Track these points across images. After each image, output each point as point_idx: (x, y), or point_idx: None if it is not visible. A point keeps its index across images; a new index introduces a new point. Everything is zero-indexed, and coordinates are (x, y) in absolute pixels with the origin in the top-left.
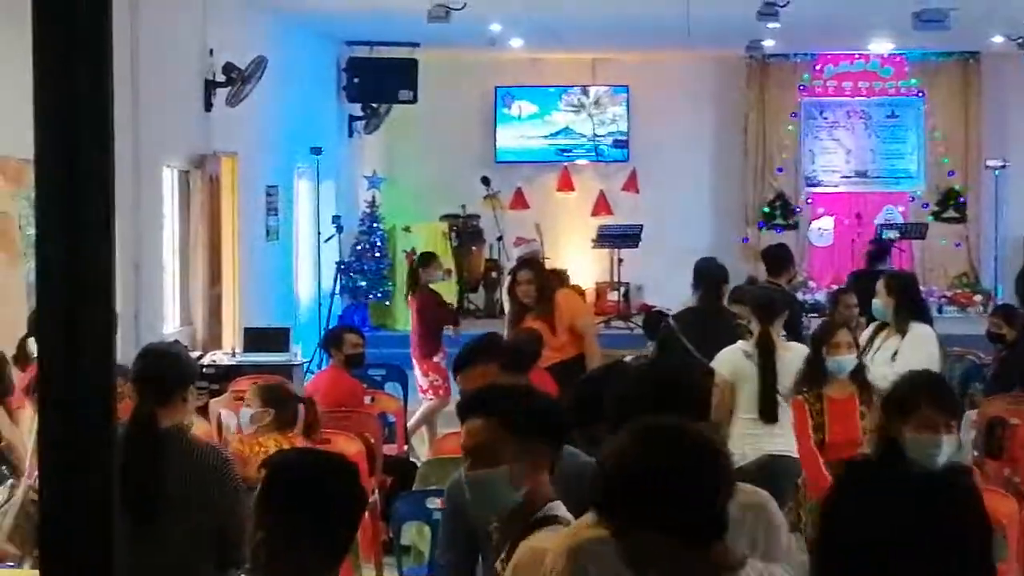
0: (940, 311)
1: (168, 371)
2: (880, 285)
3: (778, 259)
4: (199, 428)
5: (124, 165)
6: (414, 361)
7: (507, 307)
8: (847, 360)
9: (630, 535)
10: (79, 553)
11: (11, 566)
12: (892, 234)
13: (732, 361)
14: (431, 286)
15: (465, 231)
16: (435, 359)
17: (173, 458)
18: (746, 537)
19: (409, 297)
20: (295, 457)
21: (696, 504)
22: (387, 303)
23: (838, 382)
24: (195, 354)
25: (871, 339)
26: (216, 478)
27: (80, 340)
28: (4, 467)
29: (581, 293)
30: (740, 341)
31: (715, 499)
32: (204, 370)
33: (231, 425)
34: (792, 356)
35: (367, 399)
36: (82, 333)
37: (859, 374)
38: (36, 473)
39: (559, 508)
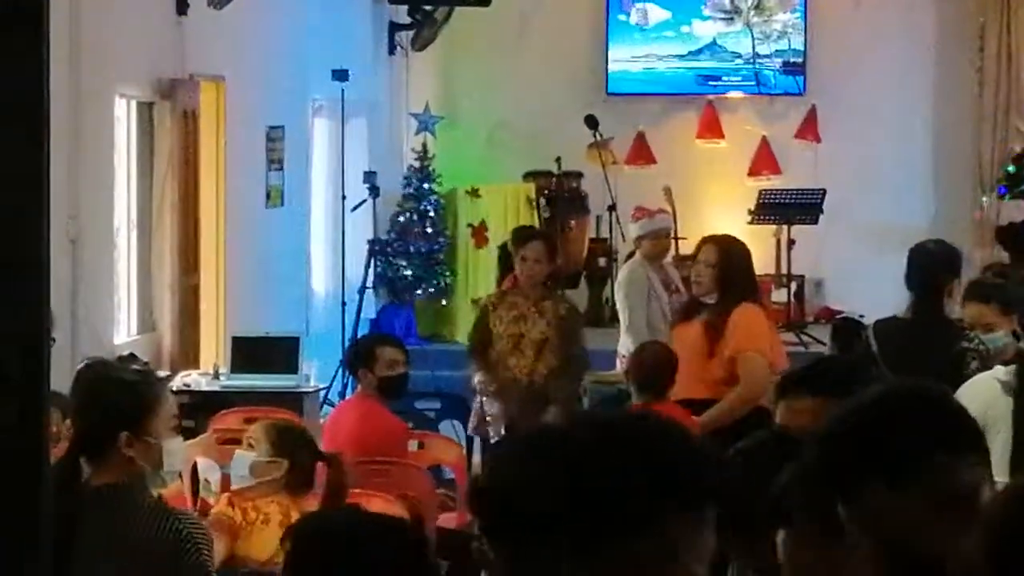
0: None
1: (105, 406)
2: None
3: (1019, 239)
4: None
5: (59, 95)
6: None
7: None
8: None
9: None
10: None
11: None
12: None
13: (985, 394)
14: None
15: (560, 196)
16: None
17: (105, 534)
18: None
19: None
20: (333, 520)
21: None
22: (443, 302)
23: None
24: (161, 375)
25: None
26: (171, 567)
27: None
28: None
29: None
30: (998, 367)
31: None
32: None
33: (212, 481)
34: None
35: (413, 444)
36: None
37: None
38: None
39: None
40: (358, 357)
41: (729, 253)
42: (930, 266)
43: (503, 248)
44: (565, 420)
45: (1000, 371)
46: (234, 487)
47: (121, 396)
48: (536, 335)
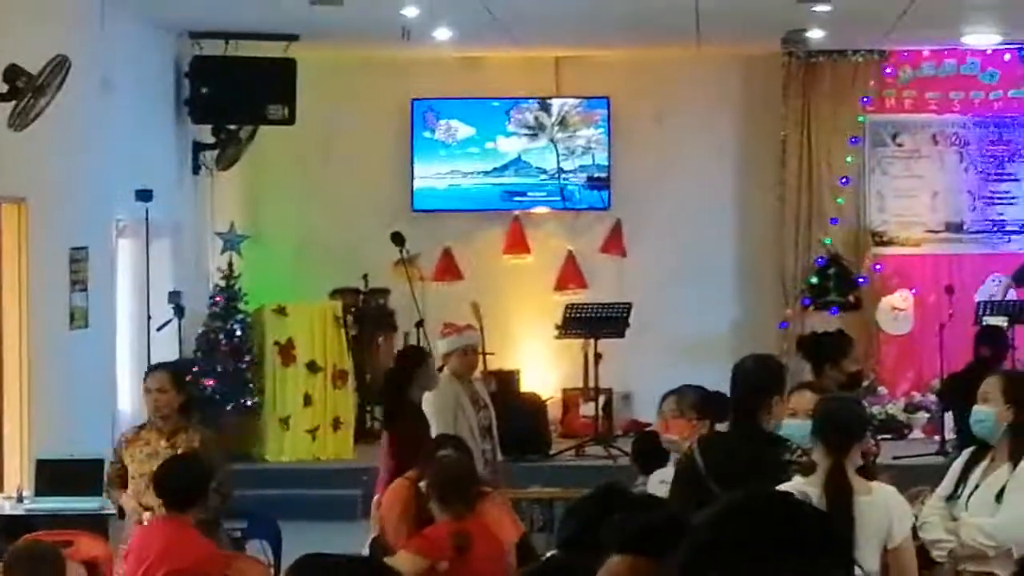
0: None
1: None
2: (994, 386)
3: (827, 348)
4: None
5: None
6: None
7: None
8: None
9: None
10: None
11: None
12: (996, 318)
13: None
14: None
15: (368, 313)
16: None
17: None
18: None
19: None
20: None
21: None
22: (254, 420)
23: None
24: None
25: (964, 470)
26: None
27: None
28: None
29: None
30: (796, 477)
31: None
32: None
33: None
34: (873, 503)
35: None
36: None
37: None
38: None
39: None
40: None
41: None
42: (749, 382)
43: (393, 373)
44: None
45: (798, 481)
46: None
47: None
48: None
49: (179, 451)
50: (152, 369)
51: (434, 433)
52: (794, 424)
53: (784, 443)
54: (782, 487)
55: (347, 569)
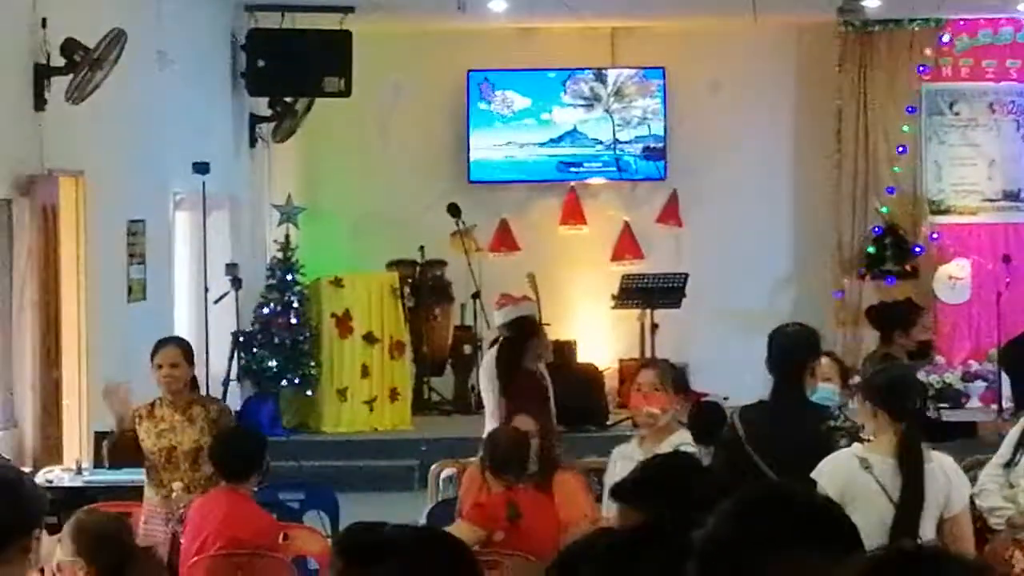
0: None
1: (24, 506)
2: None
3: (896, 316)
4: None
5: None
6: None
7: (489, 397)
8: None
9: None
10: None
11: None
12: None
13: (844, 472)
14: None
15: (424, 285)
16: None
17: None
18: None
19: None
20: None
21: None
22: (308, 393)
23: None
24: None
25: (1022, 437)
26: None
27: None
28: None
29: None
30: (855, 444)
31: None
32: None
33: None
34: (932, 471)
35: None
36: None
37: None
38: None
39: None
40: (251, 462)
41: None
42: (789, 349)
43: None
44: None
45: (858, 448)
46: None
47: (35, 493)
48: (189, 445)
49: (197, 424)
50: (162, 344)
51: (490, 403)
52: (828, 388)
53: (825, 409)
54: (837, 455)
55: (413, 536)
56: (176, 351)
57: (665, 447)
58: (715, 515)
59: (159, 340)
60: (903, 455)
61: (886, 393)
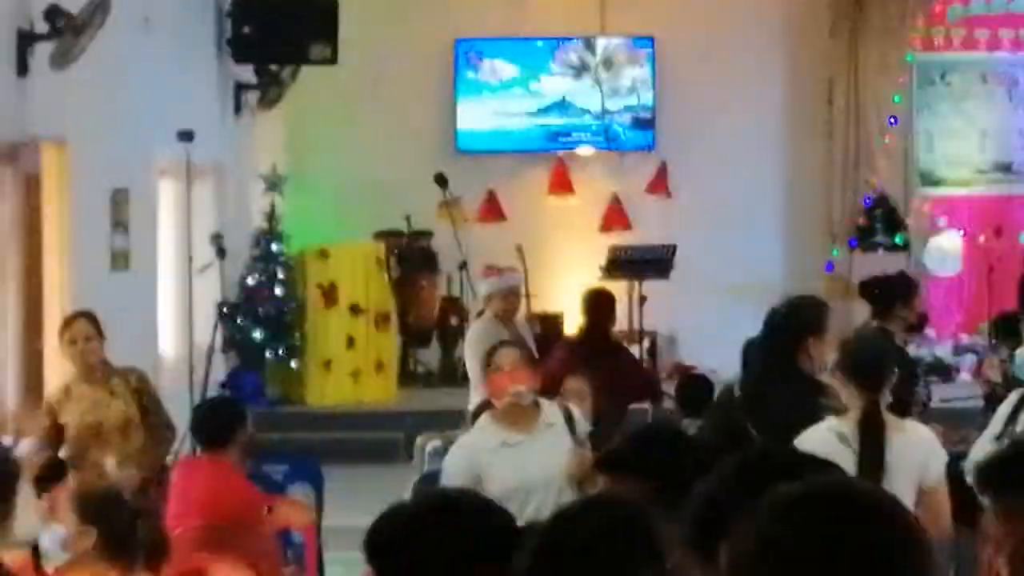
0: None
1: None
2: None
3: (891, 290)
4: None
5: None
6: None
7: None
8: None
9: None
10: None
11: None
12: None
13: (822, 446)
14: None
15: (411, 255)
16: None
17: None
18: None
19: None
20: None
21: None
22: (293, 365)
23: None
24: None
25: (1013, 411)
26: None
27: None
28: None
29: None
30: (831, 419)
31: None
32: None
33: (50, 552)
34: (907, 441)
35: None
36: None
37: None
38: None
39: None
40: (229, 430)
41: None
42: (775, 325)
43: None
44: None
45: (833, 421)
46: (49, 568)
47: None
48: (116, 418)
49: (120, 396)
50: (72, 319)
51: (474, 375)
52: None
53: (826, 386)
54: (815, 428)
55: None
56: (88, 324)
57: (542, 427)
58: (713, 475)
59: (66, 317)
60: (864, 424)
61: (854, 365)
